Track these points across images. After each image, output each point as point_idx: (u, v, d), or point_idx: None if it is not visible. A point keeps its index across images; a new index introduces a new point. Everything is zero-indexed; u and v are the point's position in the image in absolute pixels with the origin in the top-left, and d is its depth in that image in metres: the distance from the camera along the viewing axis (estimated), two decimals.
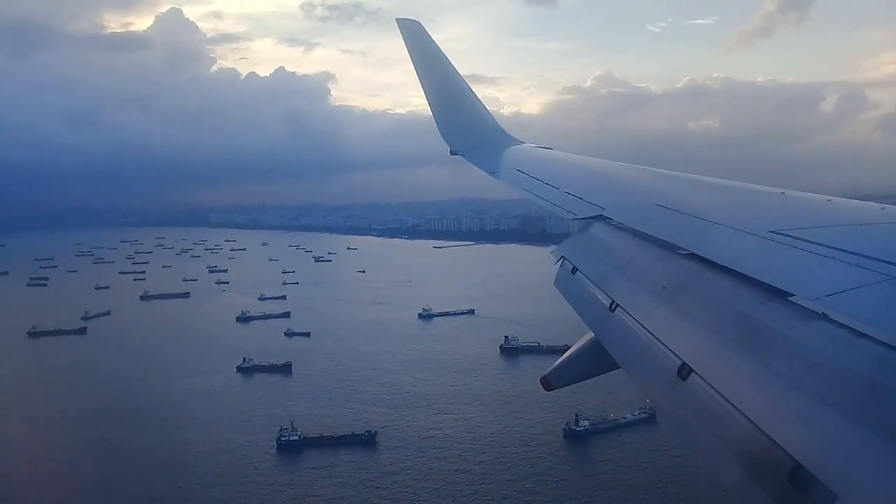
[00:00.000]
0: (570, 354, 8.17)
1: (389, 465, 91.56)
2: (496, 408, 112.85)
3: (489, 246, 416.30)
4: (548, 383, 8.19)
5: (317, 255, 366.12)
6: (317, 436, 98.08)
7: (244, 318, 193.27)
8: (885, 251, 5.08)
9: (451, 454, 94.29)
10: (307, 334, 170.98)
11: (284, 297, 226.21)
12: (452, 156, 16.42)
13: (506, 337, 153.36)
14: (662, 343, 5.31)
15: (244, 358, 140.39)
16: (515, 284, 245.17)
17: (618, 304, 6.54)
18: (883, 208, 6.56)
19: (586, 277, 7.90)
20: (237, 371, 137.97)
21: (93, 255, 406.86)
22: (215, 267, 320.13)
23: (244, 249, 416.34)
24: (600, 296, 7.09)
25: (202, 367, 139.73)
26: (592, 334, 7.26)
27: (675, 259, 6.57)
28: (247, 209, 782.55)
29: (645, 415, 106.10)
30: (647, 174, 11.25)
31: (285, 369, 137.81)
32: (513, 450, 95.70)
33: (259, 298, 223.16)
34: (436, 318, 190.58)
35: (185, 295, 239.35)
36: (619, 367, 6.37)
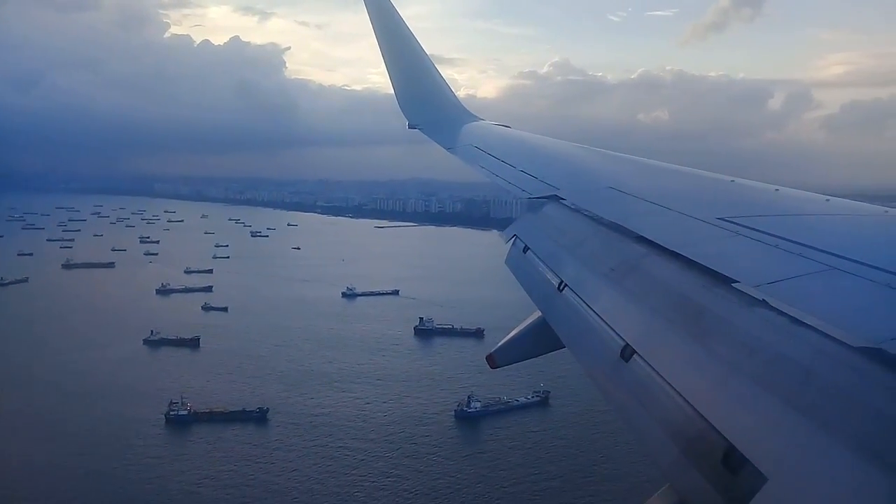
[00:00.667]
0: (517, 332, 8.09)
1: (275, 441, 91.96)
2: (397, 388, 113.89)
3: (432, 228, 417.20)
4: (493, 361, 8.10)
5: (254, 231, 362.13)
6: (207, 411, 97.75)
7: (164, 291, 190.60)
8: (828, 241, 5.24)
9: (340, 432, 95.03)
10: (225, 309, 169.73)
11: (211, 271, 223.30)
12: (410, 129, 16.34)
13: (420, 318, 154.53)
14: (607, 324, 5.39)
15: (151, 331, 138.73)
16: (445, 267, 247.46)
17: (566, 284, 6.60)
18: (828, 199, 6.75)
19: (537, 257, 7.94)
20: (143, 343, 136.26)
21: (24, 220, 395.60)
22: (147, 238, 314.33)
23: (182, 221, 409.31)
24: (549, 275, 7.15)
25: (109, 338, 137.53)
26: (540, 313, 7.29)
27: (624, 242, 6.61)
28: (194, 180, 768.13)
29: (538, 398, 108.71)
30: (603, 157, 11.37)
31: (193, 343, 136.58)
32: (402, 429, 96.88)
33: (185, 271, 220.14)
34: (359, 298, 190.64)
35: (110, 265, 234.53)
36: (564, 347, 6.45)
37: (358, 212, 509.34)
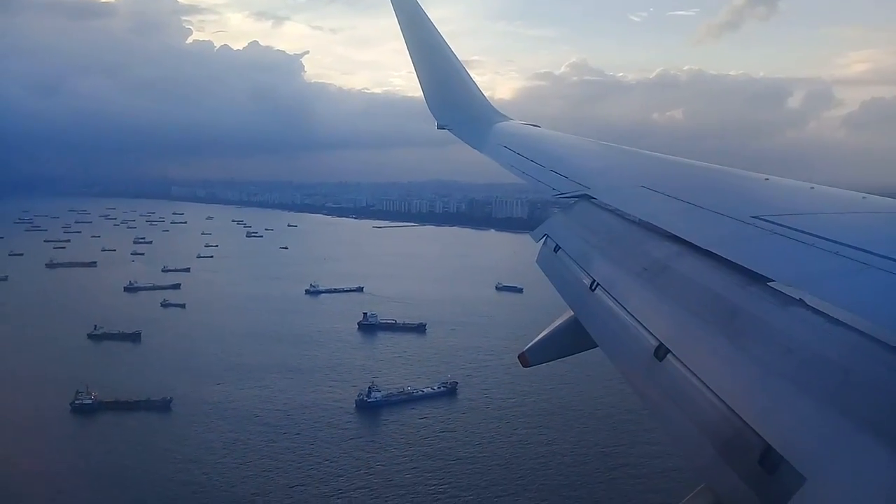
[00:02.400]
0: (550, 332, 8.02)
1: (171, 429, 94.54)
2: (314, 379, 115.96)
3: (431, 228, 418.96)
4: (525, 360, 8.06)
5: (251, 231, 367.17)
6: (112, 400, 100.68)
7: (132, 289, 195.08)
8: (865, 240, 5.17)
9: (239, 422, 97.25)
10: (182, 306, 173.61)
11: (188, 270, 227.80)
12: (439, 129, 16.26)
13: (364, 314, 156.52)
14: (641, 323, 5.37)
15: (95, 326, 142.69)
16: (422, 265, 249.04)
17: (598, 284, 6.59)
18: (864, 197, 6.64)
19: (568, 256, 7.91)
20: (88, 337, 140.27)
21: (31, 222, 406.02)
22: (143, 238, 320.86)
23: (185, 223, 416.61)
24: (581, 275, 7.13)
25: (57, 333, 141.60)
26: (572, 312, 7.29)
27: (657, 241, 6.58)
28: (212, 184, 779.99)
29: (444, 389, 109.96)
30: (634, 156, 11.35)
31: (134, 338, 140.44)
32: (302, 418, 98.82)
33: (162, 270, 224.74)
34: (322, 294, 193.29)
35: (92, 264, 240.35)
36: (596, 346, 6.44)
37: (363, 213, 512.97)
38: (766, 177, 8.10)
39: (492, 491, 78.93)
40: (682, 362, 4.60)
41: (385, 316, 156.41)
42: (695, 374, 4.38)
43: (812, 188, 7.34)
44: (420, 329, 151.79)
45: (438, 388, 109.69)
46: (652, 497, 76.85)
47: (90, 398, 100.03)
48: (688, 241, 6.06)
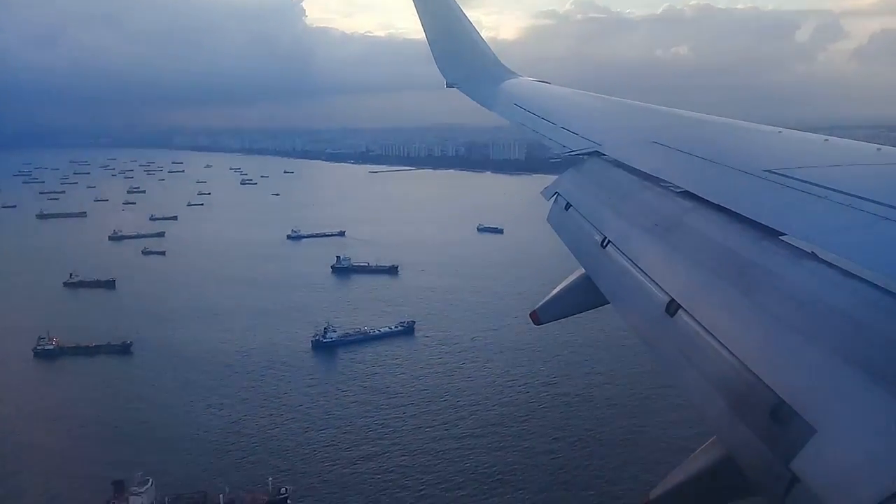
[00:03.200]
0: (561, 289, 8.03)
1: (127, 371, 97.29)
2: (277, 321, 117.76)
3: (428, 171, 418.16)
4: (536, 318, 8.13)
5: (245, 179, 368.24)
6: (74, 345, 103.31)
7: (116, 237, 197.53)
8: (878, 192, 5.13)
9: (196, 363, 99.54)
10: (163, 253, 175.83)
11: (175, 218, 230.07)
12: (448, 88, 16.05)
13: (338, 257, 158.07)
14: (652, 280, 5.38)
15: (70, 274, 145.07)
16: (409, 209, 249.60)
17: (609, 241, 6.60)
18: (879, 149, 6.54)
19: (579, 213, 7.93)
20: (64, 286, 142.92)
21: (31, 174, 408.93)
22: (137, 188, 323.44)
23: (182, 172, 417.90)
24: (592, 232, 7.15)
25: (33, 281, 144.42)
26: (583, 270, 7.32)
27: (669, 197, 6.58)
28: (214, 132, 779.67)
29: (402, 328, 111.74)
30: (645, 111, 11.19)
31: (108, 285, 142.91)
32: (259, 358, 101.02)
33: (150, 218, 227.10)
34: (304, 240, 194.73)
35: (82, 214, 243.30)
36: (608, 303, 6.46)
37: (362, 158, 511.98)
38: (780, 130, 8.06)
39: (422, 419, 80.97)
40: (693, 317, 4.62)
41: (358, 259, 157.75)
42: (706, 329, 4.40)
43: (826, 140, 7.24)
44: (392, 271, 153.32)
45: (396, 327, 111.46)
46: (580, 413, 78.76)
47: (52, 344, 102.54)
48: (699, 197, 6.04)
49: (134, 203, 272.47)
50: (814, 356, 3.59)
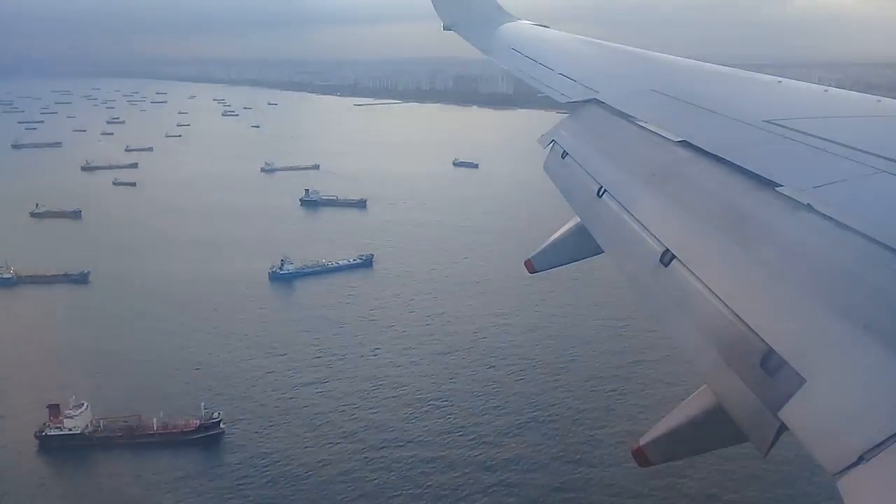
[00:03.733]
0: (555, 238, 8.06)
1: (83, 300, 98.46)
2: (238, 252, 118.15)
3: (413, 105, 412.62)
4: (531, 266, 8.14)
5: (228, 110, 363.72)
6: (31, 274, 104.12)
7: (88, 168, 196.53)
8: (877, 144, 5.11)
9: (154, 293, 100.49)
10: (133, 184, 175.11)
11: (151, 149, 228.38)
12: (445, 31, 15.83)
13: (306, 190, 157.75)
14: (647, 230, 5.36)
15: (37, 204, 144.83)
16: (387, 142, 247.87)
17: (605, 190, 6.54)
18: (879, 101, 6.52)
19: (576, 162, 7.79)
20: (30, 216, 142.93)
21: (11, 104, 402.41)
22: (117, 118, 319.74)
23: (165, 102, 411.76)
24: (588, 181, 7.06)
25: None
26: (578, 219, 7.28)
27: (666, 146, 6.53)
28: (205, 62, 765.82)
29: (360, 261, 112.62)
30: (643, 58, 11.01)
31: (74, 215, 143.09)
32: (215, 290, 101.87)
33: (125, 149, 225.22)
34: (278, 172, 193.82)
35: (57, 144, 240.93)
36: (602, 252, 6.44)
37: (350, 91, 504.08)
38: (779, 80, 7.95)
39: (368, 348, 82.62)
40: (687, 268, 4.59)
41: (328, 192, 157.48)
42: (699, 280, 4.38)
43: (825, 91, 7.20)
44: (360, 204, 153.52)
45: (354, 260, 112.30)
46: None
47: (9, 273, 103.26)
48: (697, 146, 6.01)
49: (112, 134, 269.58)
50: (806, 307, 3.63)
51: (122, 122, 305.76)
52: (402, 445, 64.03)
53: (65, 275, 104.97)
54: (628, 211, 5.88)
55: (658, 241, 5.09)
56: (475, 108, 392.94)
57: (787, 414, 3.24)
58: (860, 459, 2.78)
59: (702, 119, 6.98)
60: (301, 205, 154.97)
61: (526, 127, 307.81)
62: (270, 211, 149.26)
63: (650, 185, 6.06)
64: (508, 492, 57.59)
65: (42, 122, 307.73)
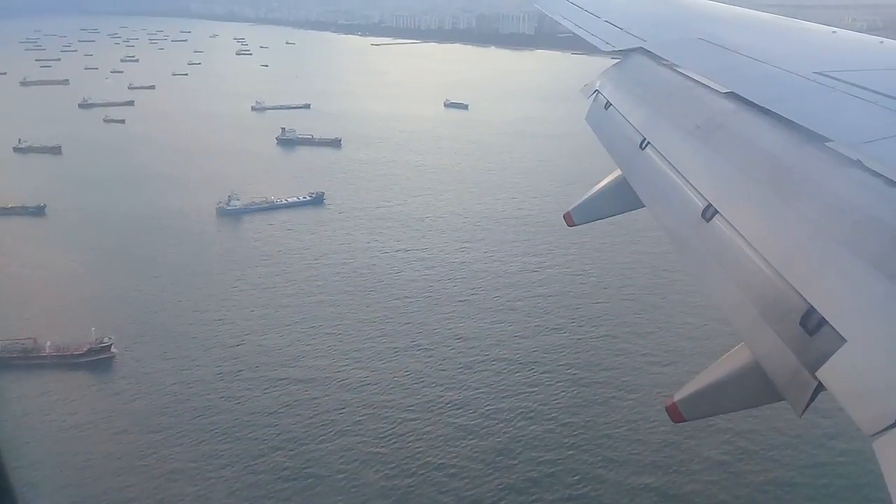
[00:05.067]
0: (596, 191, 7.96)
1: (35, 232, 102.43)
2: (196, 188, 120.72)
3: (432, 45, 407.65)
4: (570, 219, 8.03)
5: (242, 49, 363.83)
6: None
7: (85, 105, 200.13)
8: None
9: (105, 225, 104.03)
10: (122, 121, 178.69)
11: (153, 87, 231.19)
12: None
13: (282, 129, 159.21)
14: (690, 183, 5.25)
15: (19, 139, 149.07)
16: (388, 82, 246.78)
17: (648, 142, 6.44)
18: None
19: (619, 113, 7.70)
20: (13, 150, 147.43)
21: (36, 42, 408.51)
22: (131, 57, 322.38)
23: (185, 41, 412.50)
24: (631, 133, 6.96)
25: None
26: (619, 171, 7.16)
27: (713, 97, 6.37)
28: (237, 1, 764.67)
29: (310, 198, 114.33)
30: (693, 6, 10.87)
31: (55, 151, 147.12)
32: (164, 223, 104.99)
33: (128, 87, 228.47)
34: (268, 111, 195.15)
35: (65, 82, 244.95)
36: (643, 206, 6.34)
37: (372, 30, 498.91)
38: (833, 30, 7.74)
39: (285, 277, 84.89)
40: (729, 223, 4.54)
41: (304, 131, 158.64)
42: (741, 235, 4.33)
43: (881, 42, 7.00)
44: (335, 144, 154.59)
45: (304, 197, 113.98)
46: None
47: None
48: (745, 98, 5.86)
49: (122, 72, 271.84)
50: (850, 266, 3.52)
51: (136, 61, 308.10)
52: (292, 366, 66.67)
53: (23, 207, 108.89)
54: (671, 164, 5.82)
55: (701, 195, 5.03)
56: (493, 48, 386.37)
57: (826, 374, 3.18)
58: None
59: (750, 69, 6.74)
60: (277, 143, 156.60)
61: (533, 68, 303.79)
62: (245, 149, 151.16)
63: (695, 138, 5.91)
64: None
65: (59, 59, 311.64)
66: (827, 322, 3.30)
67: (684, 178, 5.43)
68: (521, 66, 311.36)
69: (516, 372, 66.36)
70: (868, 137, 4.47)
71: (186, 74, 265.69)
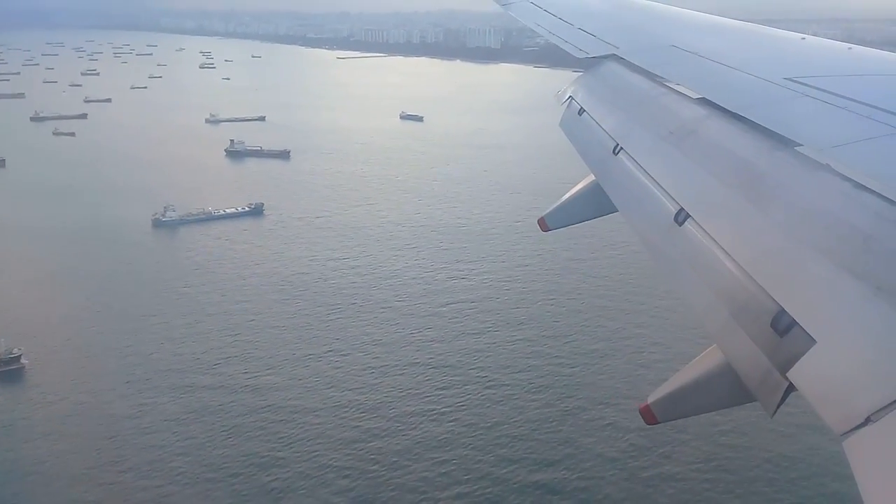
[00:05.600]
0: (570, 196, 7.98)
1: None
2: (137, 199, 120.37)
3: (398, 58, 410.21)
4: (544, 224, 8.06)
5: (206, 63, 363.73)
6: None
7: (37, 119, 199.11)
8: None
9: (42, 232, 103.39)
10: (72, 134, 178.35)
11: (109, 101, 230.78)
12: None
13: (231, 140, 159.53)
14: (663, 188, 5.32)
15: None
16: (347, 95, 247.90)
17: (621, 148, 6.49)
18: None
19: (592, 119, 7.74)
20: None
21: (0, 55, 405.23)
22: (92, 70, 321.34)
23: (150, 55, 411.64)
24: (605, 138, 7.01)
25: None
26: (593, 177, 7.20)
27: (685, 103, 6.47)
28: (211, 15, 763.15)
29: (249, 209, 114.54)
30: (665, 14, 10.86)
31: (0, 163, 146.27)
32: (99, 233, 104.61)
33: (84, 100, 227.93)
34: (222, 124, 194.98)
35: (19, 95, 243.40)
36: (616, 211, 6.39)
37: (341, 44, 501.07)
38: (803, 36, 7.88)
39: (211, 286, 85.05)
40: (701, 227, 4.59)
41: (253, 143, 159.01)
42: (713, 239, 4.38)
43: (849, 49, 7.11)
44: (284, 155, 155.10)
45: (242, 208, 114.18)
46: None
47: None
48: (716, 104, 5.93)
49: (80, 85, 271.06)
50: (819, 268, 3.59)
51: (97, 74, 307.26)
52: (204, 373, 66.81)
53: None
54: (644, 169, 5.86)
55: (673, 200, 5.08)
56: (458, 61, 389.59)
57: (796, 375, 3.22)
58: (867, 421, 2.76)
59: (721, 76, 6.87)
60: (225, 155, 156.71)
61: (495, 80, 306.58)
62: (192, 161, 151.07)
63: (667, 143, 5.98)
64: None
65: (19, 73, 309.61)
66: (797, 324, 3.35)
67: (657, 183, 5.49)
68: (484, 78, 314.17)
69: (429, 376, 67.10)
70: (837, 142, 4.57)
71: (146, 87, 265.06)
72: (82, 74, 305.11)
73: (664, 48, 8.59)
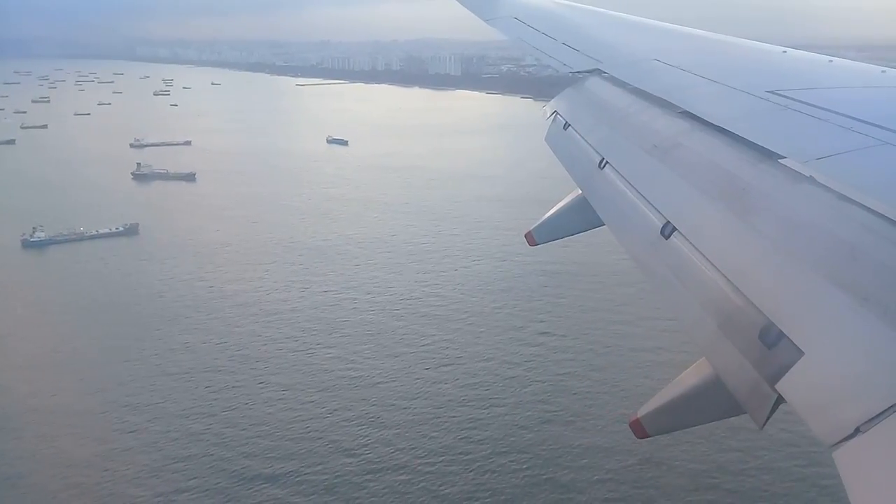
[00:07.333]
0: (556, 211, 8.03)
1: None
2: (24, 220, 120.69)
3: (359, 85, 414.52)
4: (531, 238, 8.10)
5: (161, 90, 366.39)
6: None
7: None
8: (881, 115, 5.11)
9: None
10: None
11: (45, 127, 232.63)
12: None
13: (138, 164, 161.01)
14: (649, 202, 5.35)
15: None
16: (287, 121, 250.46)
17: (607, 162, 6.53)
18: (883, 71, 6.47)
19: (577, 133, 7.79)
20: None
21: None
22: (44, 98, 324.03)
23: (111, 82, 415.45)
24: (590, 152, 7.06)
25: None
26: (579, 191, 7.24)
27: (669, 117, 6.53)
28: (185, 44, 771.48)
29: (123, 229, 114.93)
30: (649, 28, 10.96)
31: None
32: None
33: (21, 126, 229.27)
34: (146, 148, 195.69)
35: None
36: (603, 225, 6.39)
37: (308, 71, 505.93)
38: (784, 49, 7.95)
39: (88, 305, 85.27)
40: (687, 240, 4.61)
41: (160, 166, 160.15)
42: (700, 252, 4.40)
43: (831, 61, 7.19)
44: (189, 178, 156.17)
45: (116, 228, 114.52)
46: None
47: None
48: (700, 118, 6.01)
49: (25, 112, 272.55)
50: (806, 280, 3.62)
51: (47, 101, 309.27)
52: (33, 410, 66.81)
53: None
54: (629, 183, 5.90)
55: (659, 213, 5.10)
56: (417, 88, 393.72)
57: (785, 386, 3.25)
58: (856, 431, 2.77)
59: (705, 89, 6.92)
60: (132, 178, 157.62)
61: (442, 106, 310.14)
62: (93, 184, 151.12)
63: (652, 157, 6.01)
64: None
65: None
66: (785, 335, 3.37)
67: (643, 196, 5.52)
68: (432, 104, 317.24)
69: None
70: (820, 154, 4.59)
71: (89, 114, 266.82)
72: (32, 102, 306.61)
73: (647, 62, 8.67)
